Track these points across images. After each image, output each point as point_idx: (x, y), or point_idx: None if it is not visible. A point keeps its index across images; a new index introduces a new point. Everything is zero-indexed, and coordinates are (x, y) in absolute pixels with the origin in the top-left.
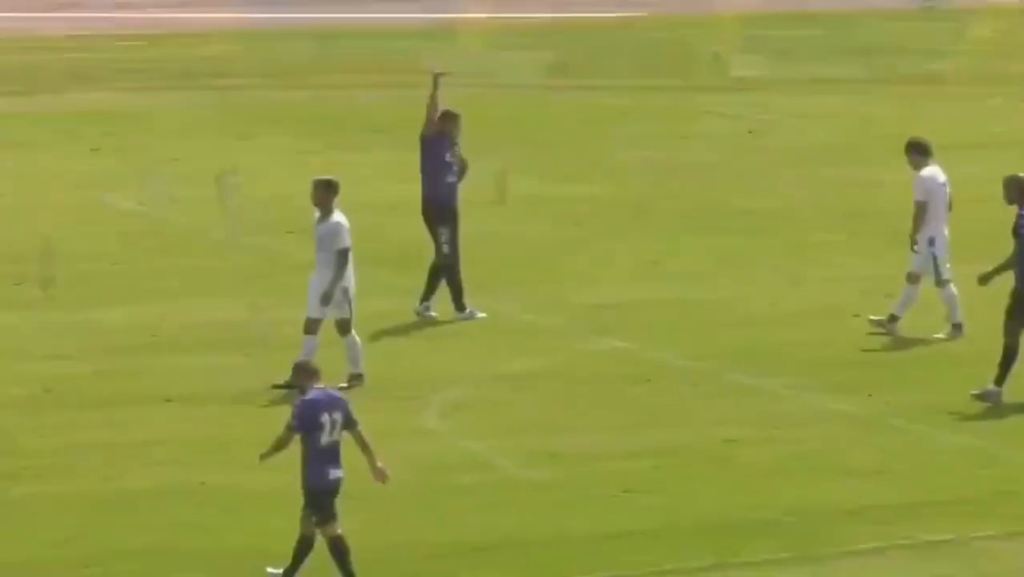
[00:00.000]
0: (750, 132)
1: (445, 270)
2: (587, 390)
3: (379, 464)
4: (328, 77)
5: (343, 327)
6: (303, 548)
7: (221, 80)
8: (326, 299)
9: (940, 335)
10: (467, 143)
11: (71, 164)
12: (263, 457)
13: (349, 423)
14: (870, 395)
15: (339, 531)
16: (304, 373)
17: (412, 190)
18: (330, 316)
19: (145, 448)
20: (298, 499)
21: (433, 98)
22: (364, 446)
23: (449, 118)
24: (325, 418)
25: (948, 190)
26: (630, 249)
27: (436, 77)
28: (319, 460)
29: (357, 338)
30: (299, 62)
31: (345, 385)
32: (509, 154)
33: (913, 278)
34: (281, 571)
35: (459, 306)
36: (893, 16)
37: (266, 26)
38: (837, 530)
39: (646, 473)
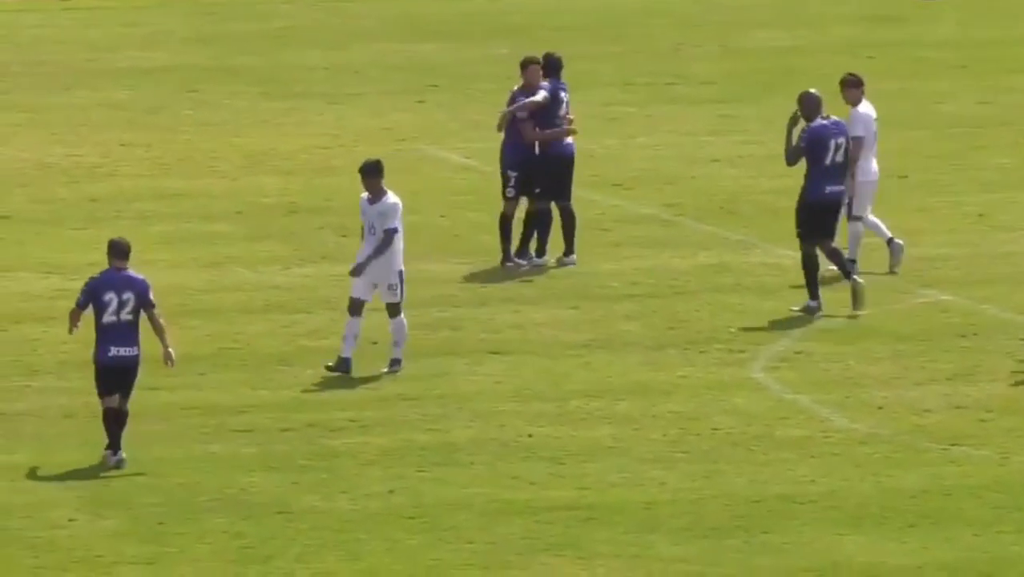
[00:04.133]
0: None
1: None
2: (912, 343)
3: (169, 349)
4: (652, 30)
5: (393, 310)
6: (107, 420)
7: (541, 32)
8: (355, 272)
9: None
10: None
11: (396, 116)
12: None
13: (145, 304)
14: None
15: (115, 404)
16: (111, 251)
17: (733, 143)
18: (383, 300)
19: (470, 400)
20: (631, 447)
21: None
22: (157, 329)
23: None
24: (110, 296)
25: (875, 127)
26: (954, 202)
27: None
28: (102, 336)
29: (404, 321)
30: (617, 14)
31: (386, 370)
32: (836, 106)
33: (854, 217)
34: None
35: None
36: None
37: None
38: None
39: (973, 427)
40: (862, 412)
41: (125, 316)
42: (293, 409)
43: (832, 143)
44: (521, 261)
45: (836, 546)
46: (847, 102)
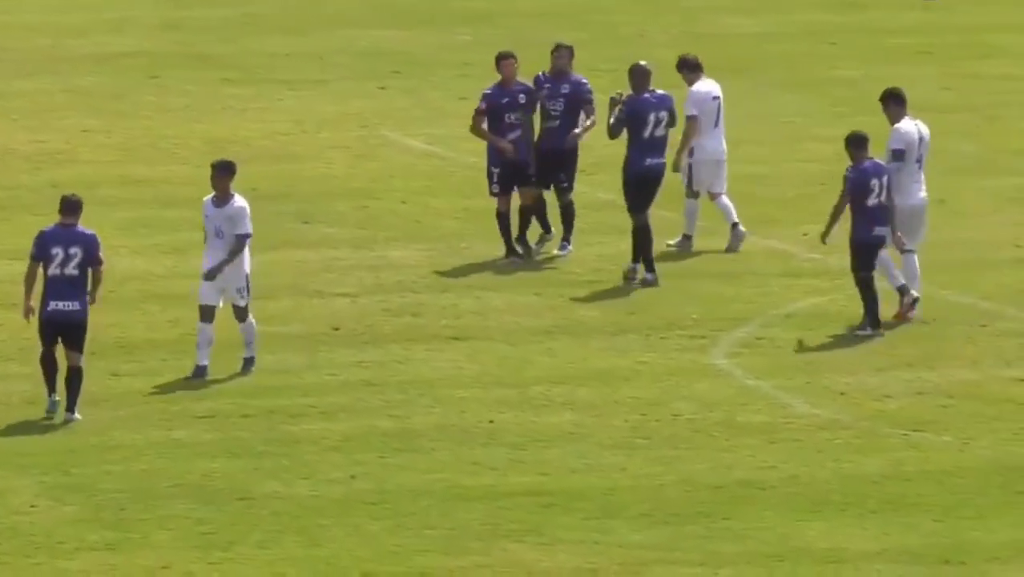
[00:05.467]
0: None
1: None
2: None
3: (98, 295)
4: (616, 16)
5: (241, 314)
6: (43, 362)
7: (504, 18)
8: (210, 276)
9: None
10: (767, 82)
11: (358, 103)
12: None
13: (92, 261)
14: None
15: (51, 348)
16: (61, 206)
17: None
18: (226, 302)
19: (432, 386)
20: (592, 433)
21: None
22: (95, 281)
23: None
24: (57, 251)
25: (720, 105)
26: None
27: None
28: (47, 290)
29: (254, 321)
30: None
31: (241, 371)
32: (801, 92)
33: (692, 193)
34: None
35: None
36: None
37: None
38: None
39: (934, 412)
40: (823, 398)
41: (69, 271)
42: (254, 395)
43: (652, 116)
44: (537, 247)
45: (797, 532)
46: (686, 82)
